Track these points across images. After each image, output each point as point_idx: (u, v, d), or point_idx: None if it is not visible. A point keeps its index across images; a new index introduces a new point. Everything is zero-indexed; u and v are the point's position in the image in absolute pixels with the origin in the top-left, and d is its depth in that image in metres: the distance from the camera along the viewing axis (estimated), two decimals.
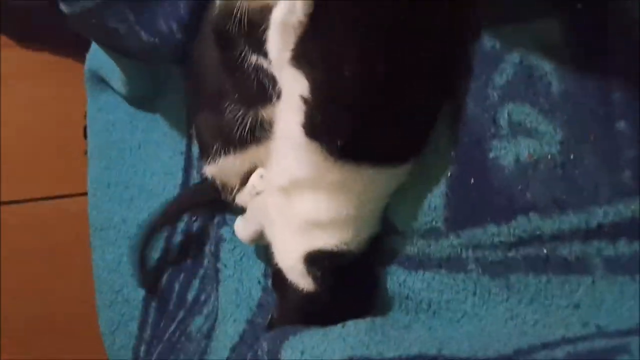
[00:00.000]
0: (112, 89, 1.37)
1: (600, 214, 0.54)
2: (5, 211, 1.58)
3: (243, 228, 1.01)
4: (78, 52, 1.43)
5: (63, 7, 1.06)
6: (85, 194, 1.39)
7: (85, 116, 1.44)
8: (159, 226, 1.20)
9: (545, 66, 0.58)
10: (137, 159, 1.34)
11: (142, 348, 1.22)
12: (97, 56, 1.33)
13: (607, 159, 0.54)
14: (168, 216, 1.21)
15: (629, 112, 0.52)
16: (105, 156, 1.35)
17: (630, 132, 0.52)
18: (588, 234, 0.56)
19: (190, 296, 1.21)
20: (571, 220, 0.57)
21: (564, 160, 0.57)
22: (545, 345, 0.55)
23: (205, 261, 1.20)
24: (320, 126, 0.71)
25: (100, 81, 1.38)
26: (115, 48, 1.16)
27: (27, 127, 1.62)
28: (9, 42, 1.64)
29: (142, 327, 1.23)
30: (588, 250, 0.56)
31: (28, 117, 1.62)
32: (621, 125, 0.52)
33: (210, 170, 1.03)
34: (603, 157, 0.54)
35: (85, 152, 1.42)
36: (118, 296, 1.25)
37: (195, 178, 1.25)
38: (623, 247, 0.53)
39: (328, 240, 0.79)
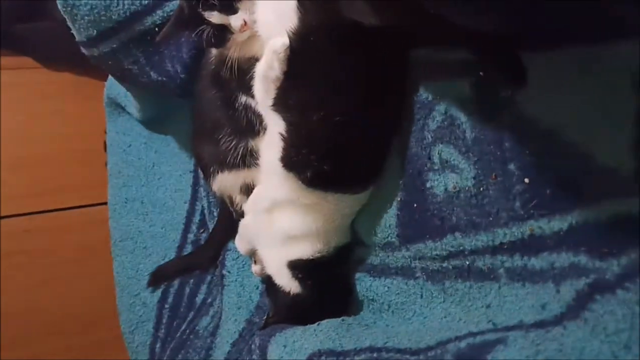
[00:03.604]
0: (129, 113, 1.52)
1: (501, 234, 0.69)
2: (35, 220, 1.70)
3: (239, 244, 1.14)
4: (97, 71, 1.53)
5: (84, 50, 1.22)
6: (105, 203, 1.50)
7: (105, 131, 1.57)
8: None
9: (461, 117, 0.72)
10: (151, 176, 1.48)
11: (158, 345, 1.33)
12: (114, 85, 1.48)
13: (504, 191, 0.68)
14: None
15: (516, 156, 0.66)
16: (123, 174, 1.49)
17: (518, 172, 0.66)
18: (494, 250, 0.70)
19: (198, 299, 1.34)
20: (482, 238, 0.71)
21: (476, 191, 0.71)
22: (456, 338, 0.69)
23: (212, 268, 1.33)
24: (294, 160, 0.85)
25: (118, 106, 1.53)
26: (129, 83, 1.32)
27: (52, 141, 1.75)
28: (35, 64, 1.80)
29: (157, 327, 1.35)
30: (495, 262, 0.70)
31: (52, 131, 1.76)
32: (512, 166, 0.66)
33: (214, 187, 1.18)
34: (501, 190, 0.68)
35: (106, 164, 1.55)
36: (136, 300, 1.37)
37: (202, 195, 1.39)
38: (517, 260, 0.67)
39: (304, 250, 0.93)
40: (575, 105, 0.61)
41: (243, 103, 1.01)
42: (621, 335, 0.52)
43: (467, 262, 0.74)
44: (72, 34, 1.19)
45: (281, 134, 0.86)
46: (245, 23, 0.92)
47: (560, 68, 0.61)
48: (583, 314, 0.57)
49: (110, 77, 1.49)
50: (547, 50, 0.61)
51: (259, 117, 0.98)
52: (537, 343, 0.58)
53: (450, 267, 0.77)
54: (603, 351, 0.54)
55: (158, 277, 1.36)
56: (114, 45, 1.16)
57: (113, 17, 1.10)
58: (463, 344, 0.66)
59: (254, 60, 0.91)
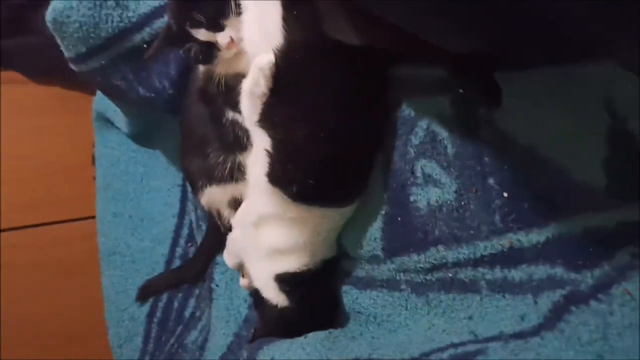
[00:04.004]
0: (117, 128, 1.52)
1: (482, 247, 0.70)
2: (23, 235, 1.69)
3: (227, 258, 1.15)
4: (85, 86, 1.56)
5: (72, 66, 1.22)
6: (94, 217, 1.49)
7: (93, 145, 1.57)
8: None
9: (442, 132, 0.74)
10: (139, 190, 1.47)
11: (146, 359, 1.34)
12: (102, 99, 1.48)
13: (484, 205, 0.70)
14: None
15: (495, 171, 0.68)
16: (111, 188, 1.49)
17: (498, 186, 0.68)
18: (475, 262, 0.71)
19: (187, 313, 1.34)
20: (464, 251, 0.73)
21: (458, 205, 0.73)
22: (439, 349, 0.70)
23: (200, 282, 1.33)
24: (280, 176, 0.87)
25: (107, 121, 1.53)
26: (118, 99, 1.33)
27: (39, 154, 1.74)
28: (23, 79, 1.78)
29: (145, 341, 1.34)
30: (476, 274, 0.72)
31: (40, 145, 1.74)
32: (491, 180, 0.68)
33: (202, 201, 1.18)
34: (482, 204, 0.70)
35: (94, 178, 1.54)
36: (124, 314, 1.36)
37: (190, 209, 1.40)
38: (498, 272, 0.69)
39: (291, 264, 0.94)
40: (551, 123, 0.63)
41: (230, 119, 1.02)
42: (595, 345, 0.54)
43: (450, 275, 0.76)
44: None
45: (267, 150, 0.87)
46: (232, 40, 0.93)
47: (536, 87, 0.64)
48: (559, 324, 0.59)
49: (98, 91, 1.49)
50: (524, 70, 0.64)
51: (247, 132, 0.98)
52: (516, 353, 0.60)
53: (434, 279, 0.79)
54: None
55: (146, 292, 1.35)
56: (103, 62, 1.16)
57: (102, 34, 1.10)
58: (445, 355, 0.68)
59: (241, 76, 0.92)
